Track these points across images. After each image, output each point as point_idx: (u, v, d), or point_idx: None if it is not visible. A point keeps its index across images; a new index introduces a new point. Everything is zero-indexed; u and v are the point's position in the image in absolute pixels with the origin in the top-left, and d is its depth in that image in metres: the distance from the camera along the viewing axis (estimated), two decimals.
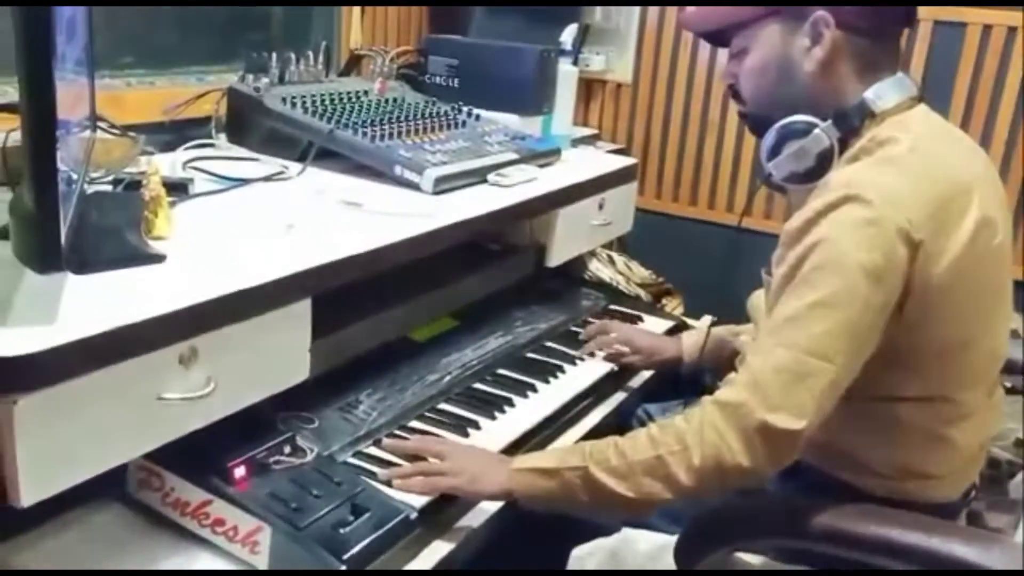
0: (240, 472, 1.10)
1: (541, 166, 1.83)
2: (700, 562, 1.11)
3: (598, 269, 1.98)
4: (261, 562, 1.05)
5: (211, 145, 1.76)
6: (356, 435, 1.27)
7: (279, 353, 1.14)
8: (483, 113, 1.96)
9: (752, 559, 1.16)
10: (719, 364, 1.55)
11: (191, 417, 1.03)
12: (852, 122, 1.14)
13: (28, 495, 0.87)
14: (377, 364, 1.45)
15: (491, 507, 1.21)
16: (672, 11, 2.52)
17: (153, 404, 0.98)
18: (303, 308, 1.16)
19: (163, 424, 1.00)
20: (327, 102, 1.78)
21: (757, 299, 1.35)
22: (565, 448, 1.17)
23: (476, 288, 1.72)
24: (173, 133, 1.76)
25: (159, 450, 1.04)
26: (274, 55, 1.83)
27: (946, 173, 1.08)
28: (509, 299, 1.78)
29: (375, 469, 1.20)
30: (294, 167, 1.65)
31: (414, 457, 1.22)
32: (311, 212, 1.40)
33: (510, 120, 2.00)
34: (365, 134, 1.67)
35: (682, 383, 1.68)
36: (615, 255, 2.03)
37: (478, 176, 1.68)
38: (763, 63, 1.19)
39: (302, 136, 1.71)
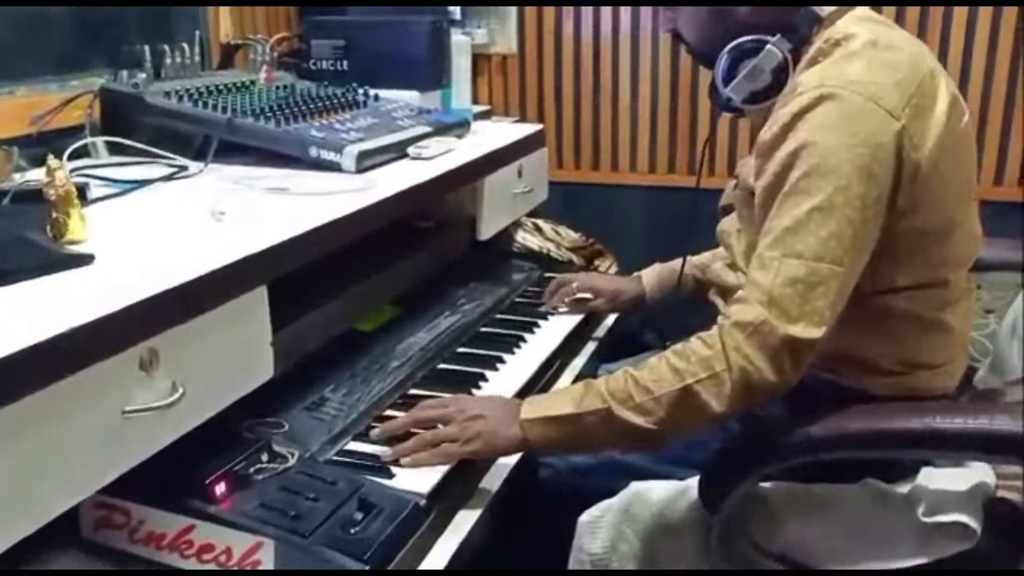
0: (221, 488, 0.96)
1: (456, 138, 1.75)
2: (727, 498, 1.06)
3: (525, 239, 1.91)
4: None
5: (88, 154, 1.57)
6: (332, 432, 1.14)
7: (241, 349, 1.01)
8: (380, 92, 1.85)
9: (775, 488, 1.11)
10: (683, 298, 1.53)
11: (161, 430, 0.89)
12: (801, 31, 1.12)
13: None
14: (329, 360, 1.32)
15: (499, 479, 1.13)
16: None
17: (118, 420, 0.83)
18: (259, 297, 1.03)
19: (132, 442, 0.85)
20: (215, 93, 1.63)
21: (727, 225, 1.31)
22: (576, 389, 1.08)
23: (414, 270, 1.61)
24: (42, 145, 1.56)
25: (115, 482, 0.90)
26: (147, 49, 1.66)
27: (910, 60, 1.07)
28: (446, 280, 1.68)
29: (367, 461, 1.08)
30: (193, 166, 1.49)
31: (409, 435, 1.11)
32: (235, 202, 1.26)
33: (408, 97, 1.90)
34: (268, 119, 1.53)
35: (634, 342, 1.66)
36: (541, 222, 1.96)
37: (397, 151, 1.58)
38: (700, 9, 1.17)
39: (196, 130, 1.55)
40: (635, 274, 1.62)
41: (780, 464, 1.02)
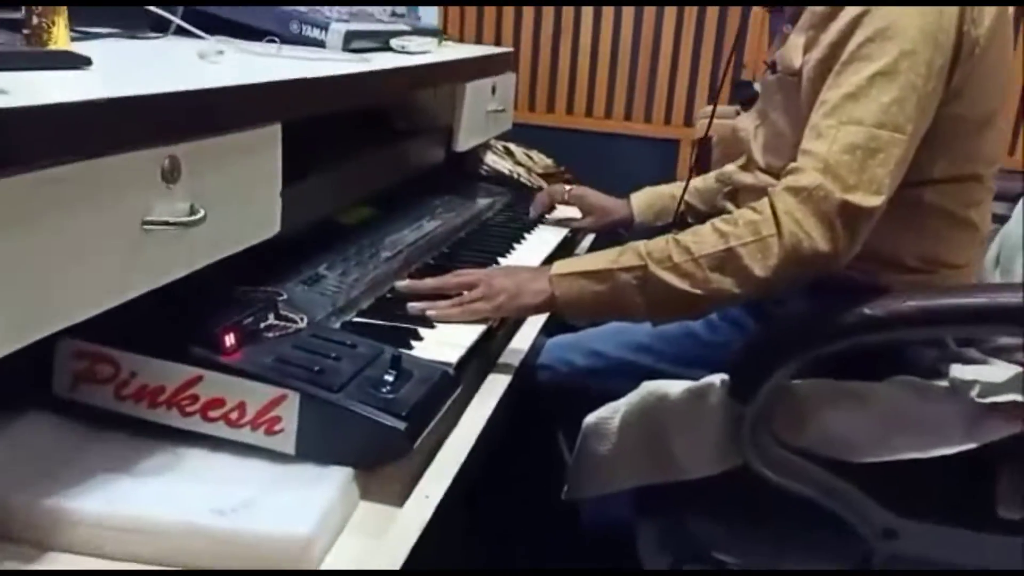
0: (231, 339, 0.83)
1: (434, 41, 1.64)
2: (758, 392, 1.01)
3: (496, 163, 1.82)
4: (284, 443, 0.80)
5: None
6: (336, 306, 1.03)
7: (255, 188, 0.89)
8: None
9: (803, 383, 1.07)
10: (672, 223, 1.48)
11: (179, 253, 0.77)
12: None
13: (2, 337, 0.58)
14: (315, 243, 1.20)
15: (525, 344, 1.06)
16: None
17: (137, 230, 0.71)
18: (274, 135, 0.92)
19: (150, 259, 0.73)
20: None
21: (743, 122, 1.26)
22: (612, 250, 1.03)
23: (390, 170, 1.49)
24: None
25: (100, 330, 0.77)
26: None
27: None
28: (421, 189, 1.58)
29: (382, 329, 0.98)
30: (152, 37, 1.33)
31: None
32: (222, 55, 1.12)
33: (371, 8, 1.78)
34: None
35: None
36: (512, 146, 1.88)
37: (382, 40, 1.47)
38: None
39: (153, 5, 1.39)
40: (625, 197, 1.56)
41: (824, 347, 0.97)
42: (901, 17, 0.96)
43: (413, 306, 1.04)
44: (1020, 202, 1.35)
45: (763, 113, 1.20)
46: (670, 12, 2.43)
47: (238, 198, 0.86)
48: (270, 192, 0.93)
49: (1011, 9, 1.08)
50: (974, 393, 0.95)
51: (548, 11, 2.46)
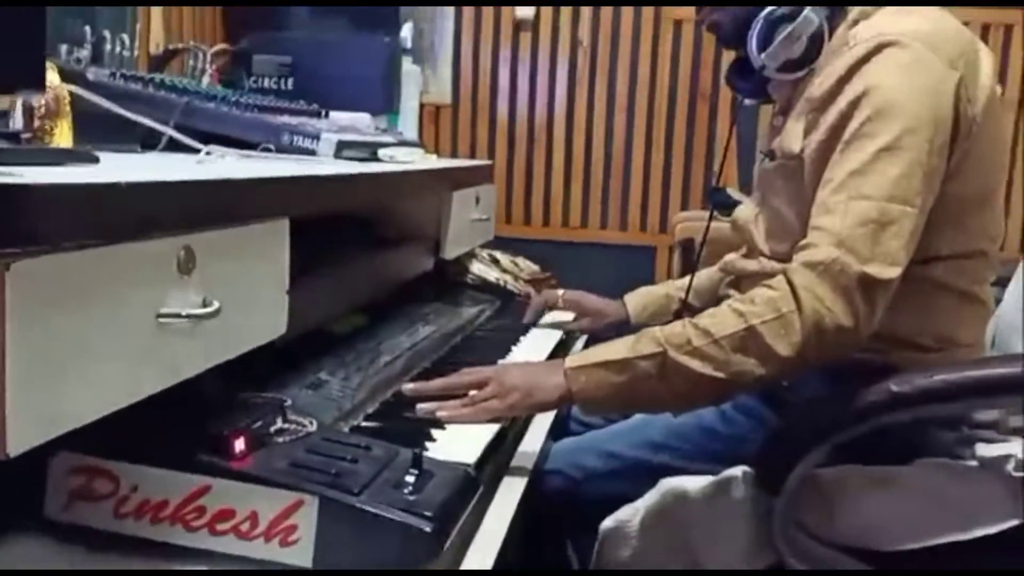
0: (240, 444, 0.78)
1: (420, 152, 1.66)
2: (787, 481, 0.97)
3: (482, 271, 1.81)
4: (301, 555, 0.74)
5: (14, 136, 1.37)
6: (343, 410, 0.98)
7: (264, 284, 0.86)
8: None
9: (830, 472, 1.03)
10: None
11: (189, 352, 0.72)
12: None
13: (18, 435, 0.53)
14: (311, 352, 1.15)
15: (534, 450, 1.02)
16: (489, 21, 2.48)
17: (152, 323, 0.67)
18: (282, 230, 0.89)
19: (162, 356, 0.69)
20: (162, 84, 1.47)
21: (743, 212, 1.26)
22: (627, 338, 1.00)
23: (380, 279, 1.47)
24: None
25: (98, 443, 0.73)
26: (87, 29, 1.50)
27: (954, 22, 1.08)
28: (410, 297, 1.55)
29: (394, 431, 0.93)
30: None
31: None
32: (222, 159, 1.11)
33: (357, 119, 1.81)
34: (230, 105, 1.39)
35: None
36: (497, 254, 1.87)
37: (370, 150, 1.47)
38: None
39: (147, 114, 1.38)
40: (619, 299, 1.55)
41: (853, 429, 0.94)
42: (900, 96, 0.98)
43: (423, 407, 0.99)
44: (1012, 283, 1.36)
45: (763, 200, 1.21)
46: (640, 122, 2.50)
47: (249, 294, 0.82)
48: (278, 290, 0.89)
49: (999, 89, 1.11)
50: (1010, 467, 0.92)
51: (522, 125, 2.52)
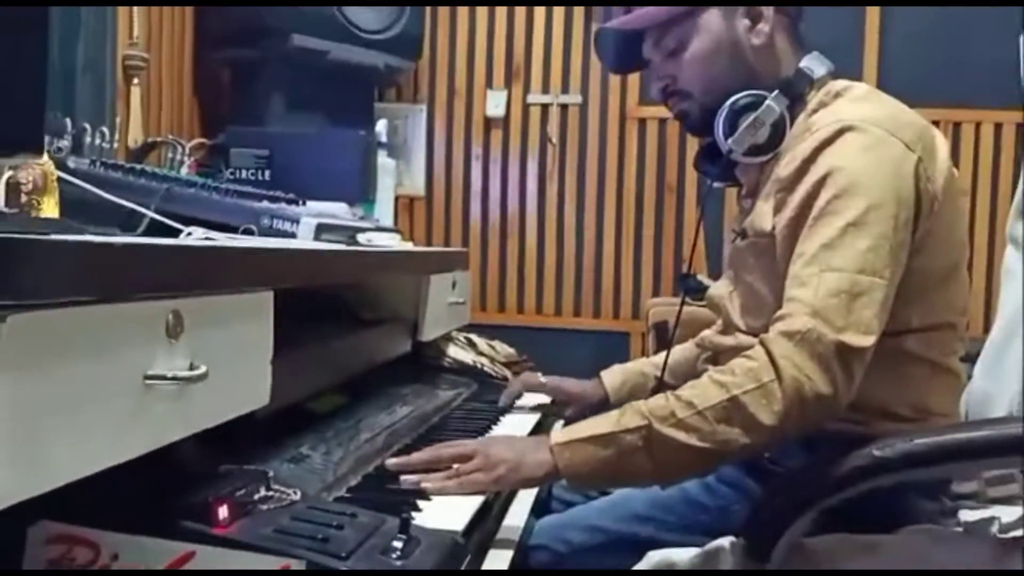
0: (224, 511, 0.77)
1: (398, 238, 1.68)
2: (775, 549, 0.97)
3: (458, 354, 1.81)
4: None
5: None
6: (327, 482, 0.97)
7: (248, 353, 0.86)
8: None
9: (818, 541, 1.03)
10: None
11: (175, 416, 0.72)
12: (797, 89, 1.18)
13: (2, 488, 0.52)
14: (292, 429, 1.14)
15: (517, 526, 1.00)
16: (460, 118, 2.55)
17: (139, 384, 0.67)
18: (267, 301, 0.90)
19: (149, 418, 0.68)
20: (142, 172, 1.49)
21: (718, 290, 1.29)
22: (611, 413, 1.00)
23: (358, 359, 1.46)
24: None
25: (77, 511, 0.72)
26: (68, 121, 1.53)
27: (909, 110, 1.14)
28: (388, 377, 1.55)
29: (379, 501, 0.92)
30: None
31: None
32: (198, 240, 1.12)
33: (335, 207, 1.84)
34: (210, 191, 1.41)
35: None
36: (474, 337, 1.88)
37: (348, 234, 1.49)
38: (710, 48, 1.20)
39: (127, 199, 1.40)
40: (595, 378, 1.56)
41: (838, 494, 0.95)
42: (863, 176, 1.02)
43: (407, 479, 0.98)
44: (980, 359, 1.39)
45: (736, 278, 1.24)
46: (610, 214, 2.57)
47: (234, 362, 0.82)
48: (262, 360, 0.89)
49: (955, 173, 1.17)
50: (995, 529, 0.93)
51: (495, 217, 2.57)
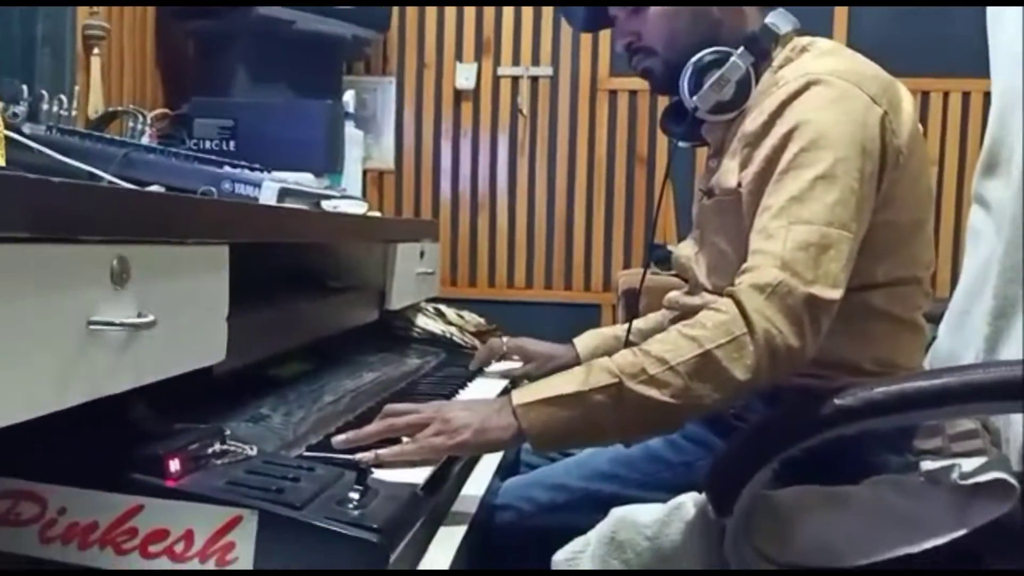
0: (176, 464, 0.75)
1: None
2: (737, 501, 0.97)
3: (427, 324, 1.79)
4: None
5: None
6: (286, 441, 0.95)
7: (202, 309, 0.84)
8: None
9: (781, 494, 1.03)
10: None
11: (122, 364, 0.70)
12: (762, 45, 1.17)
13: None
14: (254, 392, 1.13)
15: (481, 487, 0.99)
16: (430, 91, 2.52)
17: (83, 331, 0.65)
18: (221, 256, 0.88)
19: (93, 365, 0.67)
20: (99, 139, 1.47)
21: (684, 250, 1.29)
22: (577, 370, 0.97)
23: (324, 324, 1.45)
24: None
25: (24, 465, 0.71)
26: (24, 88, 1.49)
27: (874, 64, 1.13)
28: (354, 345, 1.54)
29: (338, 460, 0.90)
30: None
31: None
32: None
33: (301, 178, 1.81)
34: (170, 156, 1.39)
35: None
36: (443, 307, 1.86)
37: (313, 200, 1.47)
38: (673, 3, 1.19)
39: (83, 167, 1.37)
40: (569, 343, 1.55)
41: (800, 443, 0.94)
42: (830, 129, 1.02)
43: (362, 456, 0.91)
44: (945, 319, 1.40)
45: (702, 238, 1.23)
46: (581, 186, 2.56)
47: (187, 315, 0.81)
48: (217, 315, 0.88)
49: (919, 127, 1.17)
50: (955, 476, 0.93)
51: (465, 190, 2.56)
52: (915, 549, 0.93)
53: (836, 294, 0.96)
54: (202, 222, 0.83)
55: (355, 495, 0.77)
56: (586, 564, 1.05)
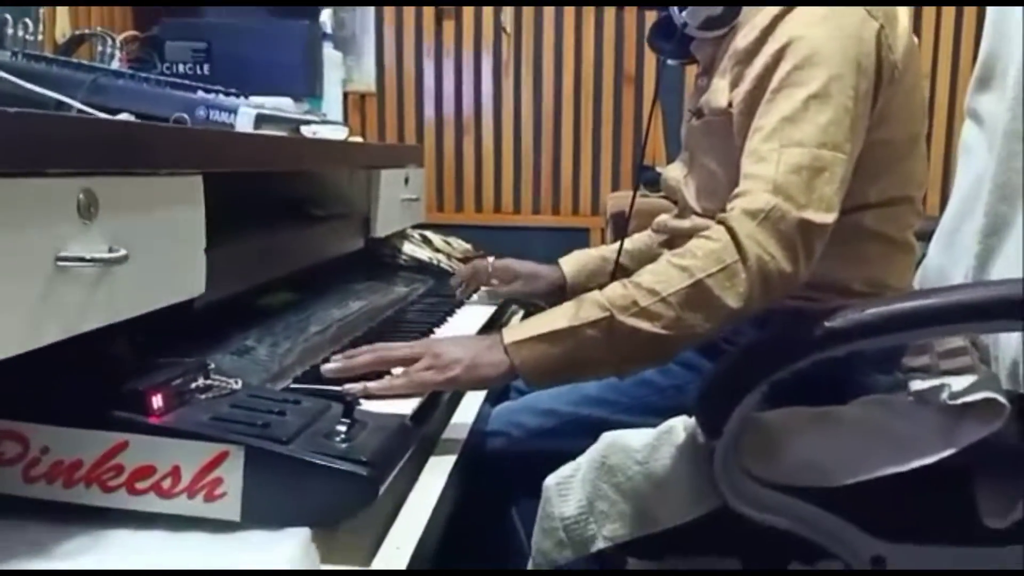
0: (159, 400, 0.74)
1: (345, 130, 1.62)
2: (727, 423, 0.97)
3: (414, 251, 1.77)
4: (228, 509, 0.70)
5: None
6: (272, 372, 0.94)
7: (177, 241, 0.82)
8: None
9: (769, 415, 1.03)
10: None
11: (94, 301, 0.68)
12: None
13: None
14: (239, 322, 1.11)
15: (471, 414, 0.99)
16: (411, 9, 2.46)
17: (51, 266, 0.63)
18: (196, 187, 0.85)
19: (63, 302, 0.65)
20: (66, 64, 1.41)
21: (672, 172, 1.26)
22: (566, 306, 0.96)
23: (309, 254, 1.42)
24: None
25: (3, 405, 0.69)
26: None
27: None
28: (341, 274, 1.52)
29: (326, 392, 0.89)
30: None
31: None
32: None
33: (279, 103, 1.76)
34: (141, 81, 1.34)
35: None
36: (429, 234, 1.84)
37: (291, 126, 1.43)
38: None
39: (48, 95, 1.33)
40: (555, 263, 1.53)
41: (789, 365, 0.94)
42: (824, 45, 0.99)
43: (350, 388, 0.91)
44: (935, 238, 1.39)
45: (691, 159, 1.21)
46: (567, 107, 2.51)
47: (161, 248, 0.78)
48: (194, 247, 0.85)
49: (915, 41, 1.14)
50: (944, 396, 0.93)
51: (450, 113, 2.50)
52: (903, 468, 0.94)
53: (830, 218, 0.95)
54: (174, 152, 0.80)
55: (342, 428, 0.76)
56: (577, 488, 1.05)
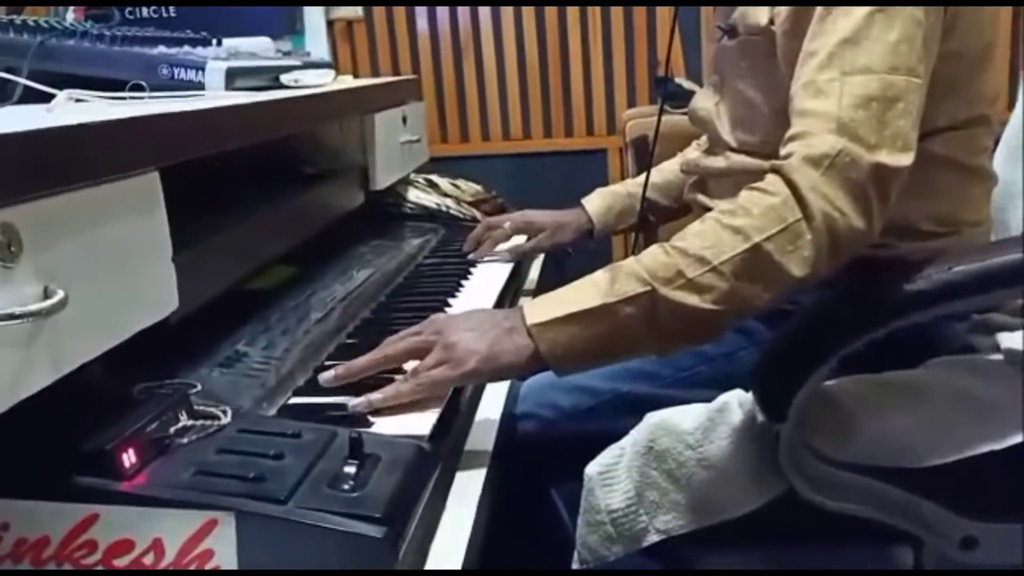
0: (131, 457, 0.63)
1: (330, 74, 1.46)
2: (792, 402, 0.84)
3: (420, 198, 1.64)
4: None
5: None
6: (267, 387, 0.82)
7: (135, 259, 0.69)
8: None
9: (841, 384, 0.91)
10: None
11: (32, 360, 0.55)
12: None
13: None
14: (229, 318, 0.99)
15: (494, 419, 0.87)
16: None
17: None
18: (151, 187, 0.71)
19: None
20: (10, 24, 1.25)
21: (703, 100, 1.11)
22: (596, 277, 0.82)
23: (304, 222, 1.28)
24: None
25: None
26: None
27: None
28: (341, 238, 1.38)
29: (329, 412, 0.78)
30: None
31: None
32: (80, 103, 0.92)
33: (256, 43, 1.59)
34: (95, 40, 1.18)
35: None
36: (435, 178, 1.70)
37: (270, 76, 1.28)
38: None
39: None
40: (576, 208, 1.39)
41: (864, 337, 0.81)
42: None
43: (355, 406, 0.79)
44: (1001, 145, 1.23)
45: (723, 85, 1.05)
46: (573, 20, 2.30)
47: (112, 272, 0.65)
48: (158, 260, 0.72)
49: None
50: None
51: (446, 36, 2.31)
52: (999, 445, 0.82)
53: (907, 159, 0.79)
54: (116, 152, 0.66)
55: (351, 469, 0.64)
56: (623, 476, 0.94)
